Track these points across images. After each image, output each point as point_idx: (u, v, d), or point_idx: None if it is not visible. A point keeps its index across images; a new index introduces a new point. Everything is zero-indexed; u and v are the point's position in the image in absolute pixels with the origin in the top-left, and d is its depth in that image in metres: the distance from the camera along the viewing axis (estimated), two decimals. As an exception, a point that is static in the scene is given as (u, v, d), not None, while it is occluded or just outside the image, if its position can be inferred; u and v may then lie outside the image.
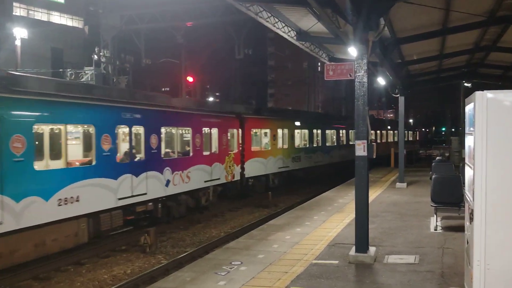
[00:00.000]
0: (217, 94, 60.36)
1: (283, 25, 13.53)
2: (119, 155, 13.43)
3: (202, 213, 17.57)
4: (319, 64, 68.90)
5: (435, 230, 11.32)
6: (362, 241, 8.82)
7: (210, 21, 25.07)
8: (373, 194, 17.68)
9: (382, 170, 28.54)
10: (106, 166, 12.37)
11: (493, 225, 5.49)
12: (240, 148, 20.64)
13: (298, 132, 26.94)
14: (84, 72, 25.26)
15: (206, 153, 17.60)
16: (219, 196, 19.13)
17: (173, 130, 15.98)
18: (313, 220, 13.04)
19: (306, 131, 28.08)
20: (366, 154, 8.76)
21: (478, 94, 5.60)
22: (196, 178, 16.70)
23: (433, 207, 11.29)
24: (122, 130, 13.62)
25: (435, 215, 11.55)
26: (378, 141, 38.62)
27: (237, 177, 20.11)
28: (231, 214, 18.35)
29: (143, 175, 13.73)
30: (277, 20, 13.15)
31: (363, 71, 8.70)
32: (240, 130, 20.69)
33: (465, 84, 28.81)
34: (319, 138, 30.07)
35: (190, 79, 34.08)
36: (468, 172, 6.50)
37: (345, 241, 10.41)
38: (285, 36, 14.05)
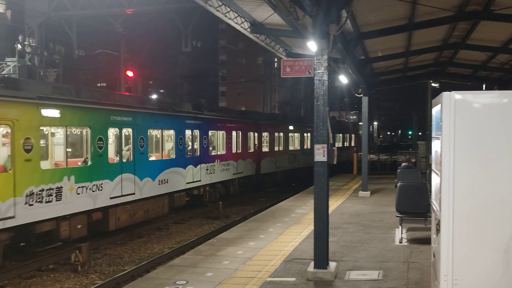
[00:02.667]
0: (161, 91, 59.73)
1: (236, 15, 13.54)
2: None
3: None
4: (275, 60, 69.48)
5: (400, 242, 11.61)
6: (321, 256, 8.93)
7: (153, 9, 24.74)
8: (334, 203, 17.96)
9: (344, 177, 29.05)
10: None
11: (461, 237, 5.64)
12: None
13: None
14: (6, 63, 24.40)
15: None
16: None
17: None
18: (268, 233, 13.10)
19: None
20: (326, 160, 8.88)
21: (445, 95, 5.75)
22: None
23: (398, 217, 11.57)
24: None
25: (400, 227, 11.84)
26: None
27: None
28: (176, 226, 18.19)
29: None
30: (229, 9, 13.15)
31: (323, 68, 8.83)
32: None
33: (433, 84, 29.73)
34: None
35: (130, 73, 33.54)
36: (435, 180, 6.68)
37: (303, 255, 10.51)
38: (238, 27, 14.07)
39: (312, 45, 9.54)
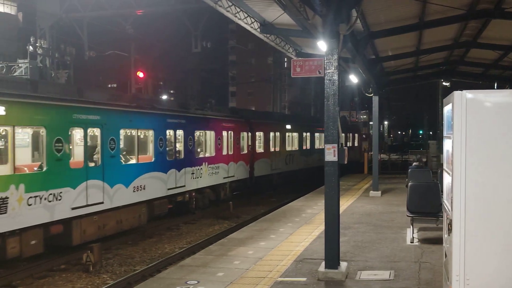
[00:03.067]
0: (171, 92, 59.91)
1: (246, 15, 13.56)
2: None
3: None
4: (285, 60, 69.37)
5: (412, 242, 11.56)
6: (332, 256, 8.92)
7: (164, 10, 24.88)
8: (345, 203, 17.92)
9: (355, 177, 28.98)
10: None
11: (473, 236, 5.63)
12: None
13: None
14: (18, 65, 24.59)
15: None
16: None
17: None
18: (279, 233, 13.10)
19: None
20: (337, 160, 8.87)
21: (456, 94, 5.73)
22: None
23: (409, 217, 11.53)
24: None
25: (411, 226, 11.80)
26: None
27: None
28: (187, 227, 18.24)
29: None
30: (239, 9, 13.17)
31: (333, 68, 8.81)
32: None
33: (444, 83, 29.59)
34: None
35: (140, 74, 33.73)
36: (446, 179, 6.64)
37: (314, 255, 10.50)
38: (248, 28, 14.08)
39: (322, 45, 9.53)
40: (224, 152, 22.23)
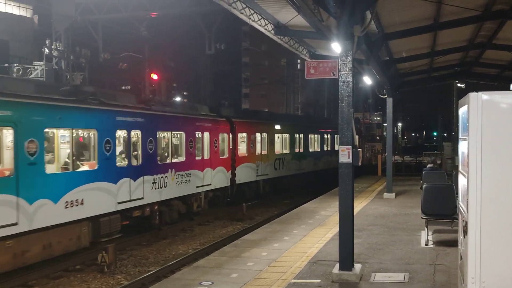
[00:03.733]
0: (185, 93, 60.15)
1: (260, 17, 13.60)
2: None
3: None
4: (298, 61, 69.33)
5: (426, 245, 11.49)
6: (346, 258, 8.90)
7: (178, 12, 25.00)
8: (359, 205, 17.87)
9: (368, 179, 28.86)
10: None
11: (489, 238, 5.60)
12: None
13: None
14: (33, 67, 24.87)
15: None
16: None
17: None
18: (293, 234, 13.09)
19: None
20: (351, 161, 8.86)
21: (472, 95, 5.71)
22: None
23: (423, 219, 11.47)
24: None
25: (426, 229, 11.73)
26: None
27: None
28: (200, 228, 18.29)
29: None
30: (252, 11, 13.22)
31: (347, 69, 8.81)
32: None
33: (458, 85, 29.38)
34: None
35: (154, 76, 33.88)
36: (462, 181, 6.62)
37: (327, 257, 10.49)
38: (262, 29, 14.12)
39: (336, 47, 9.53)
40: (198, 157, 19.01)
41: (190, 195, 18.46)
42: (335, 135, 33.75)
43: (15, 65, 25.33)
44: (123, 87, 52.39)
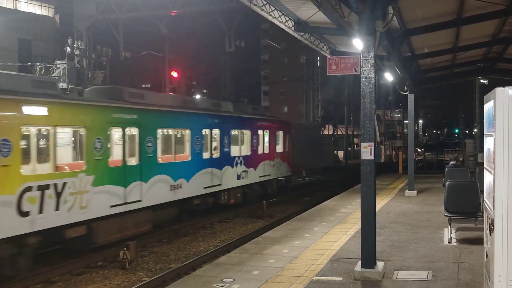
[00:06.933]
0: (204, 91, 60.41)
1: (280, 14, 13.55)
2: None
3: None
4: (318, 58, 69.08)
5: (449, 242, 11.36)
6: (368, 255, 8.83)
7: (198, 10, 25.04)
8: (380, 202, 17.73)
9: (389, 177, 28.65)
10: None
11: (516, 236, 5.50)
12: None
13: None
14: (56, 66, 25.17)
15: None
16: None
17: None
18: (314, 232, 13.04)
19: None
20: (373, 158, 8.78)
21: (498, 90, 5.63)
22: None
23: (447, 217, 11.33)
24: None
25: (449, 226, 11.59)
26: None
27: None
28: (221, 225, 18.33)
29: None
30: (273, 8, 13.17)
31: (370, 66, 8.72)
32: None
33: (481, 81, 28.95)
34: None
35: (174, 74, 34.08)
36: (488, 178, 6.52)
37: (349, 255, 10.43)
38: (282, 26, 14.07)
39: (357, 43, 9.45)
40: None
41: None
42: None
43: (37, 64, 25.66)
44: (144, 85, 52.75)
